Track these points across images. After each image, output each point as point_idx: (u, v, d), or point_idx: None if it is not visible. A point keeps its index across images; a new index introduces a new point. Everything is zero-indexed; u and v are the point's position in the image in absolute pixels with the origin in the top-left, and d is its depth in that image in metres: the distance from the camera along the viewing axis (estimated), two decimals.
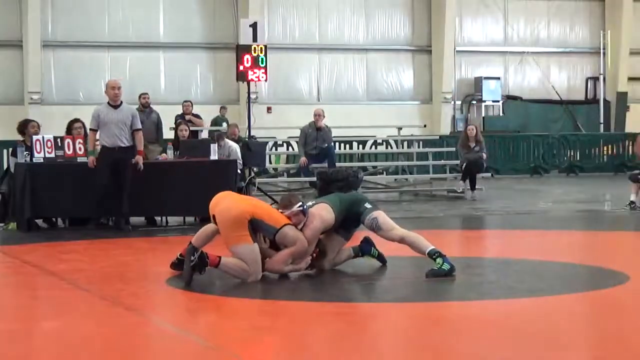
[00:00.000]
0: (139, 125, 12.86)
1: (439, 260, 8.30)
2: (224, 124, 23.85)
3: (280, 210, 8.49)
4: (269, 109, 26.97)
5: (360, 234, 9.02)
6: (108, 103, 12.70)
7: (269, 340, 6.04)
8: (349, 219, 8.69)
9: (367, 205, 8.67)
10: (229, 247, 8.15)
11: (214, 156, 13.78)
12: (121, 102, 12.77)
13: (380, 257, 8.99)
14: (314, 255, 8.57)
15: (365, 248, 9.00)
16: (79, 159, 13.04)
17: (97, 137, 12.78)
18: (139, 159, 12.70)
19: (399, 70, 29.78)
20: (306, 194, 16.41)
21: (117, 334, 6.25)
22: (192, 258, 7.97)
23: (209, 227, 8.42)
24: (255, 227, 8.17)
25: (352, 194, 9.23)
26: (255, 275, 8.15)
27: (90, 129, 12.73)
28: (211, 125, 24.08)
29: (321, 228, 8.52)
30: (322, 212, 8.63)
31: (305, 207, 8.48)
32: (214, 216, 8.20)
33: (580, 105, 31.48)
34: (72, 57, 26.37)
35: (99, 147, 12.74)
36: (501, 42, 30.73)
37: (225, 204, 8.18)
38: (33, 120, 14.33)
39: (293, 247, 8.30)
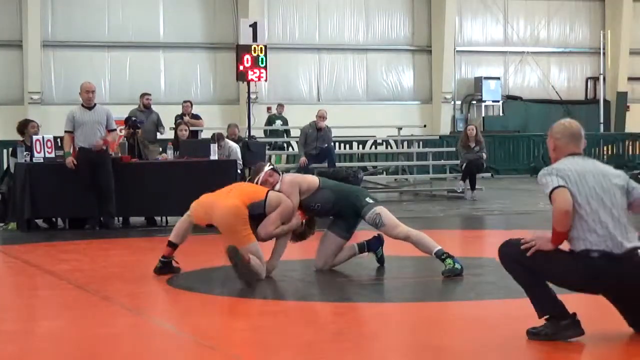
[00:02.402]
0: (114, 126, 13.06)
1: (449, 260, 8.27)
2: (278, 122, 23.92)
3: (255, 181, 8.50)
4: (268, 109, 26.97)
5: (363, 233, 8.96)
6: (82, 105, 12.85)
7: (269, 340, 6.04)
8: (346, 211, 8.53)
9: (369, 200, 8.56)
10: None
11: (213, 156, 13.79)
12: (95, 104, 12.92)
13: (381, 259, 8.86)
14: (305, 220, 8.46)
15: (374, 245, 8.78)
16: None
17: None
18: (99, 143, 12.66)
19: (399, 70, 29.78)
20: None
21: (117, 334, 6.25)
22: (241, 262, 7.81)
23: (185, 222, 8.43)
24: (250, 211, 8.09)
25: (354, 186, 9.23)
26: (264, 268, 8.13)
27: (66, 131, 12.80)
28: (265, 124, 24.26)
29: (296, 181, 8.49)
30: (302, 175, 8.89)
31: (275, 166, 8.70)
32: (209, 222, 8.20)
33: (580, 105, 31.48)
34: (72, 57, 26.36)
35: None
36: (501, 42, 30.73)
37: (218, 209, 8.04)
38: (33, 121, 14.37)
39: (279, 208, 8.21)
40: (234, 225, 7.97)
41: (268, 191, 8.28)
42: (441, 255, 8.32)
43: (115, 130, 13.10)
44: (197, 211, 8.26)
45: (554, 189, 5.51)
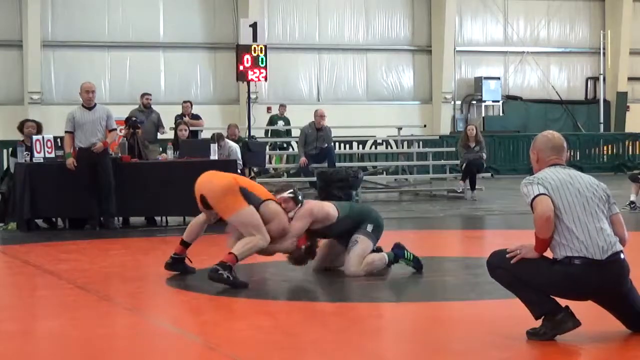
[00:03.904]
0: (114, 125, 13.06)
1: (406, 257, 8.42)
2: (280, 122, 23.94)
3: (273, 193, 8.39)
4: (269, 109, 26.98)
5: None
6: (82, 105, 12.87)
7: (269, 340, 6.03)
8: (353, 230, 8.51)
9: (368, 228, 8.41)
10: (228, 218, 8.01)
11: (213, 156, 13.79)
12: (95, 104, 12.94)
13: (416, 261, 8.58)
14: (306, 245, 8.33)
15: (399, 252, 8.60)
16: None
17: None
18: (100, 145, 12.68)
19: (399, 70, 29.78)
20: (306, 193, 16.41)
21: (117, 334, 6.26)
22: (227, 276, 7.75)
23: (198, 219, 8.44)
24: (245, 197, 8.03)
25: (364, 207, 8.92)
26: (264, 239, 7.98)
27: (66, 132, 12.81)
28: (267, 124, 24.26)
29: (313, 213, 8.26)
30: (323, 205, 8.51)
31: (298, 196, 8.32)
32: (201, 197, 8.07)
33: (580, 105, 31.48)
34: (72, 57, 26.36)
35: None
36: (501, 42, 30.73)
37: (211, 181, 8.09)
38: (30, 121, 14.35)
39: (270, 223, 8.08)
40: (221, 195, 7.95)
41: (271, 199, 8.15)
42: (393, 260, 8.42)
43: (115, 130, 13.11)
44: (197, 182, 8.23)
45: (535, 197, 5.65)
